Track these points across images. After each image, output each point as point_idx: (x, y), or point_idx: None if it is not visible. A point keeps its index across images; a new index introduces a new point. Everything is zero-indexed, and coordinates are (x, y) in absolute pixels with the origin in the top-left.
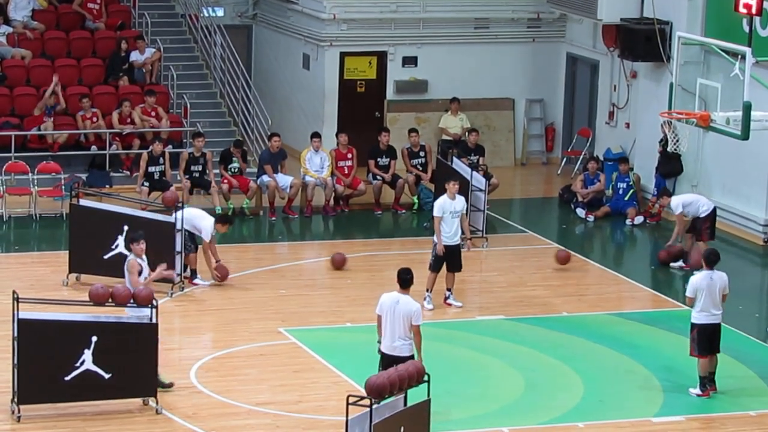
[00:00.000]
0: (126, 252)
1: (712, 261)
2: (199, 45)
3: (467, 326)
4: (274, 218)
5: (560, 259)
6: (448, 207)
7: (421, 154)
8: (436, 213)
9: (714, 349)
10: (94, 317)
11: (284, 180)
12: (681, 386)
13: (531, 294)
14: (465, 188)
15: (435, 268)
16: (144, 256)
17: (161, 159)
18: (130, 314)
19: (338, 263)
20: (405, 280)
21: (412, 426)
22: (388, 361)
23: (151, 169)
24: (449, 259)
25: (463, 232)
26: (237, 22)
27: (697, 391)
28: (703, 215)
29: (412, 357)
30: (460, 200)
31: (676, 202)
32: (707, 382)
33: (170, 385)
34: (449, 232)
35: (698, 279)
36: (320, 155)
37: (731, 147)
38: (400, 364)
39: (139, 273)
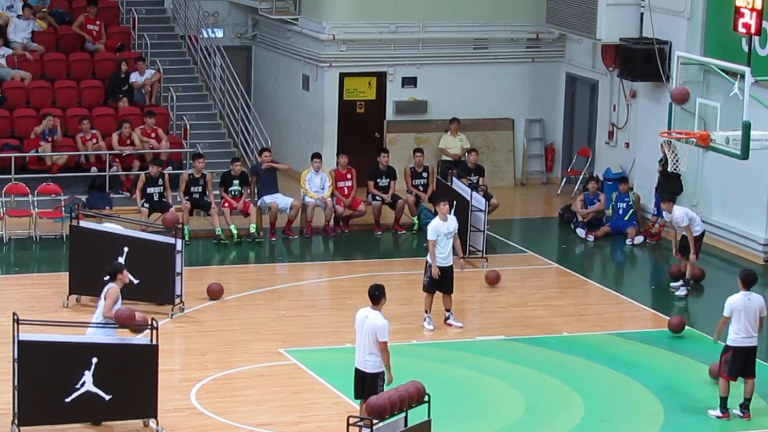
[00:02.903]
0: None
1: (749, 282)
2: (198, 66)
3: (467, 346)
4: (274, 239)
5: (490, 279)
6: (441, 229)
7: (424, 174)
8: (430, 236)
9: (747, 372)
10: (95, 339)
11: (284, 201)
12: (682, 406)
13: (531, 314)
14: (465, 208)
15: (430, 289)
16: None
17: (160, 180)
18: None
19: (215, 293)
20: (373, 296)
21: None
22: (358, 375)
23: (150, 190)
24: (443, 281)
25: (455, 253)
26: (236, 43)
27: (717, 413)
28: (695, 235)
29: (379, 374)
30: (453, 220)
31: (682, 213)
32: (742, 407)
33: None
34: (443, 254)
35: (735, 299)
36: (320, 176)
37: (731, 166)
38: (366, 378)
39: (115, 302)
